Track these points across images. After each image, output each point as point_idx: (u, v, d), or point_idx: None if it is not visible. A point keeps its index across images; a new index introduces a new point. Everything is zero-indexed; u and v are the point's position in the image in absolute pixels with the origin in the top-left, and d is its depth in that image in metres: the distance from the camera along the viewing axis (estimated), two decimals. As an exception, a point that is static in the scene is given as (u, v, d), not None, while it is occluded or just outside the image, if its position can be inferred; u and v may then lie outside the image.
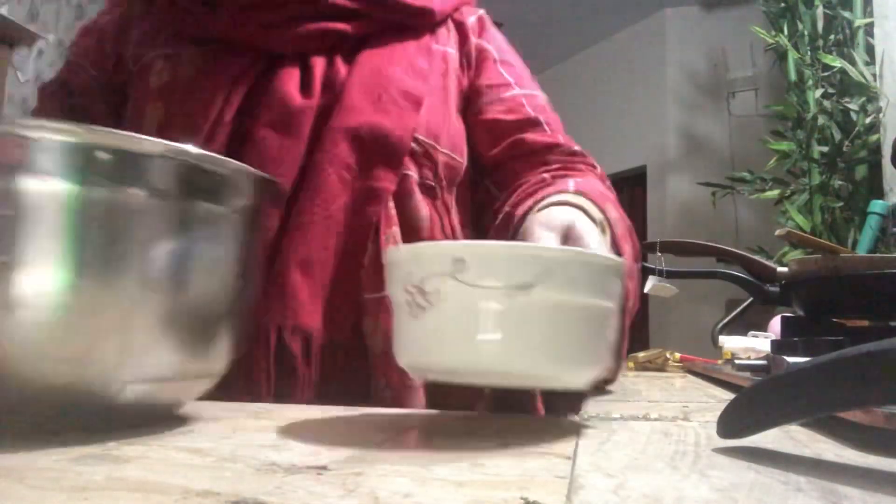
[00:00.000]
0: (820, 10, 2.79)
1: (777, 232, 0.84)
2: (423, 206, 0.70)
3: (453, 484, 0.28)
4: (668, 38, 4.23)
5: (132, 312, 0.36)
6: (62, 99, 0.76)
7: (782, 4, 2.94)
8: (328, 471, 0.30)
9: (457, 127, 0.75)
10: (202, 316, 0.40)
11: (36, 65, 3.33)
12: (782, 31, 2.91)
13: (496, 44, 0.81)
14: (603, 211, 0.59)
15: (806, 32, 2.83)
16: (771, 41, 2.94)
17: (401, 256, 0.40)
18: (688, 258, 1.25)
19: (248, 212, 0.43)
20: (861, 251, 2.20)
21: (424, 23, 0.76)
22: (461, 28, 0.80)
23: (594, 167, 0.76)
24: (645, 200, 4.26)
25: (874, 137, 2.52)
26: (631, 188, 4.40)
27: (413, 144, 0.68)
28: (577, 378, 0.40)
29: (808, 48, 2.82)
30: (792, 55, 2.86)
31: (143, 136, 0.36)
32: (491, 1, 0.93)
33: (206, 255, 0.40)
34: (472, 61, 0.79)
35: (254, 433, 0.40)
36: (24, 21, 3.21)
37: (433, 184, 0.71)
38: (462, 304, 0.37)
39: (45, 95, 0.78)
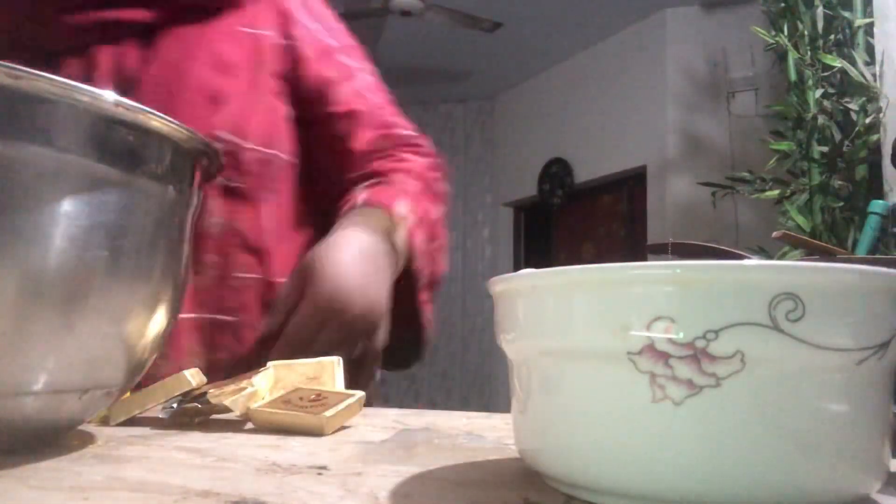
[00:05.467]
0: (820, 10, 2.79)
1: (773, 234, 0.84)
2: (213, 211, 0.64)
3: (453, 484, 0.28)
4: (668, 38, 4.22)
5: (21, 307, 0.28)
6: None
7: (782, 4, 2.94)
8: (328, 471, 0.30)
9: (272, 117, 0.69)
10: (111, 314, 0.32)
11: (36, 65, 3.31)
12: (782, 31, 2.91)
13: (323, 22, 0.75)
14: (389, 210, 0.64)
15: (806, 32, 2.83)
16: (771, 41, 2.94)
17: (610, 287, 0.23)
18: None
19: (178, 184, 0.35)
20: (861, 251, 2.20)
21: (229, 5, 0.68)
22: (279, 6, 0.72)
23: (420, 148, 0.76)
24: (645, 200, 4.25)
25: (874, 137, 2.52)
26: (631, 188, 4.39)
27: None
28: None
29: (808, 48, 2.81)
30: (792, 55, 2.85)
31: (39, 72, 0.28)
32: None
33: (118, 236, 0.31)
34: (297, 45, 0.71)
35: (254, 433, 0.40)
36: (24, 21, 3.20)
37: (239, 184, 0.66)
38: (790, 381, 0.22)
39: None
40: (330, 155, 0.73)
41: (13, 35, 0.62)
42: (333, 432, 0.40)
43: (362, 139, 0.73)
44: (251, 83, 0.68)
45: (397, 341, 0.66)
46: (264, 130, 0.68)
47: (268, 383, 0.46)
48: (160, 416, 0.44)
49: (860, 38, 2.64)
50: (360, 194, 0.67)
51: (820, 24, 2.80)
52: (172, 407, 0.44)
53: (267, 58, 0.69)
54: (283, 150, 0.70)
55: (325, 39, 0.74)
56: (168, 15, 0.64)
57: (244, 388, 0.42)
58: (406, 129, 0.76)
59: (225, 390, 0.42)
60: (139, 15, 0.63)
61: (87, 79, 0.61)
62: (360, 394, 0.44)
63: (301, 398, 0.43)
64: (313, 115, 0.72)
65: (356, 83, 0.74)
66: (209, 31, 0.66)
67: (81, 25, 0.62)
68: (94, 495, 0.25)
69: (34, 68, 0.67)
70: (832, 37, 2.78)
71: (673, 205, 4.07)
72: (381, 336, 0.62)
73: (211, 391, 0.42)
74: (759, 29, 2.97)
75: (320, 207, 0.73)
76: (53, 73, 0.66)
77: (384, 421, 0.46)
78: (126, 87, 0.62)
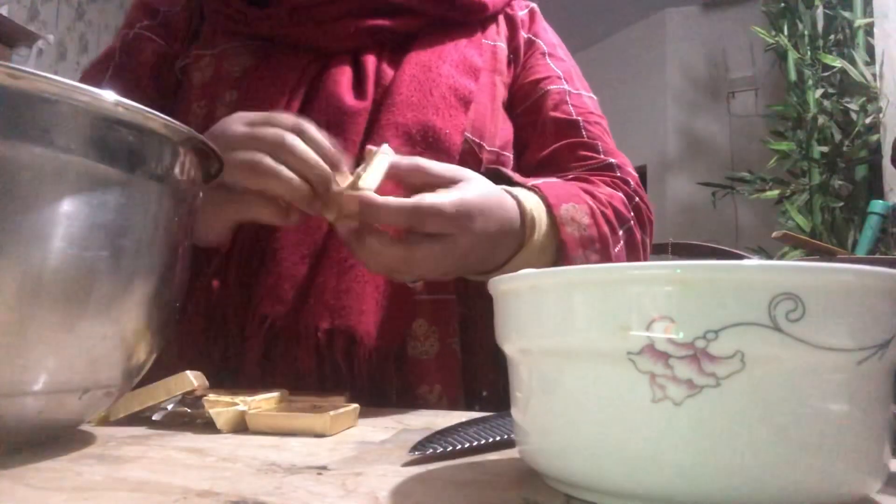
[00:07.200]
0: (820, 10, 2.79)
1: (773, 234, 0.84)
2: None
3: (453, 484, 0.28)
4: (668, 38, 4.22)
5: (21, 307, 0.28)
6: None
7: (782, 4, 2.94)
8: (328, 471, 0.30)
9: (504, 124, 0.74)
10: (111, 314, 0.31)
11: (36, 65, 3.32)
12: (782, 31, 2.91)
13: (546, 37, 0.80)
14: (551, 208, 0.59)
15: (806, 32, 2.83)
16: (771, 41, 2.94)
17: (610, 287, 0.23)
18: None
19: (178, 184, 0.36)
20: (861, 251, 2.20)
21: (476, 18, 0.75)
22: (511, 22, 0.79)
23: (624, 182, 0.72)
24: (645, 200, 4.25)
25: (874, 137, 2.52)
26: (631, 188, 4.40)
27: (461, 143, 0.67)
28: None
29: (808, 48, 2.81)
30: (792, 55, 2.85)
31: (39, 72, 0.28)
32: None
33: (118, 236, 0.31)
34: (520, 55, 0.77)
35: (254, 433, 0.40)
36: (24, 21, 3.20)
37: None
38: (790, 381, 0.22)
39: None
40: (527, 156, 0.75)
41: (295, 37, 0.69)
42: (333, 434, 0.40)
43: (563, 147, 0.73)
44: (490, 88, 0.73)
45: None
46: (501, 134, 0.72)
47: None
48: (153, 418, 0.44)
49: (860, 38, 2.64)
50: (538, 179, 0.63)
51: (820, 24, 2.80)
52: (166, 409, 0.44)
53: (501, 67, 0.75)
54: (510, 150, 0.73)
55: (550, 62, 0.78)
56: (424, 24, 0.72)
57: (235, 405, 0.41)
58: (614, 158, 0.73)
59: (221, 399, 0.42)
60: (402, 24, 0.71)
61: (356, 77, 0.68)
62: (354, 406, 0.44)
63: (297, 407, 0.44)
64: (526, 120, 0.75)
65: (576, 100, 0.76)
66: (457, 41, 0.72)
67: (354, 31, 0.69)
68: (94, 495, 0.25)
69: (311, 67, 0.68)
70: (832, 37, 2.78)
71: (673, 205, 4.07)
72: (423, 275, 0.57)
73: (209, 397, 0.42)
74: (759, 29, 2.97)
75: None
76: (327, 71, 0.66)
77: (384, 421, 0.46)
78: (385, 85, 0.67)
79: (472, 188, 0.52)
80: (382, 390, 0.59)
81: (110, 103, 0.30)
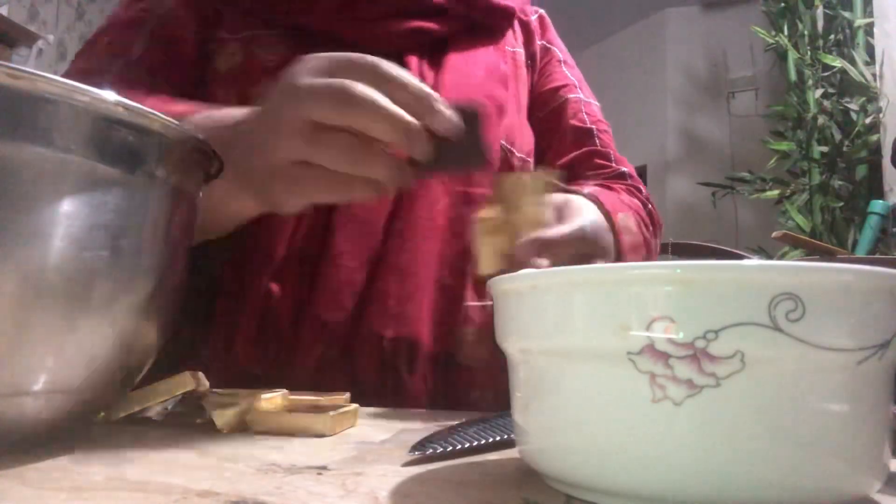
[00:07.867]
0: (820, 10, 2.79)
1: (773, 234, 0.84)
2: None
3: (453, 484, 0.28)
4: (668, 38, 4.22)
5: (21, 307, 0.28)
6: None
7: (782, 4, 2.94)
8: (328, 471, 0.30)
9: (528, 131, 0.75)
10: (111, 314, 0.32)
11: (36, 65, 3.32)
12: (782, 31, 2.91)
13: (559, 45, 0.82)
14: (610, 216, 0.60)
15: (806, 32, 2.83)
16: (771, 41, 2.94)
17: (610, 287, 0.23)
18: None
19: (178, 184, 0.36)
20: (861, 251, 2.20)
21: (503, 24, 0.76)
22: (526, 27, 0.80)
23: (637, 190, 0.74)
24: (645, 200, 4.25)
25: (874, 137, 2.52)
26: (631, 188, 4.39)
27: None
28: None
29: (808, 48, 2.81)
30: (792, 55, 2.85)
31: (39, 72, 0.28)
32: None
33: (118, 236, 0.31)
34: (537, 61, 0.79)
35: (254, 433, 0.40)
36: (24, 21, 3.20)
37: None
38: (790, 381, 0.22)
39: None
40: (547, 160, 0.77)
41: (339, 33, 0.66)
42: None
43: (581, 156, 0.75)
44: (516, 96, 0.74)
45: None
46: (526, 140, 0.73)
47: None
48: (154, 418, 0.44)
49: (860, 38, 2.64)
50: (584, 187, 0.64)
51: (820, 24, 2.80)
52: (166, 409, 0.44)
53: (521, 73, 0.76)
54: (532, 157, 0.75)
55: (566, 70, 0.80)
56: (460, 29, 0.71)
57: (235, 404, 0.41)
58: (623, 166, 0.76)
59: (221, 399, 0.42)
60: (440, 27, 0.70)
61: None
62: (354, 406, 0.44)
63: (298, 406, 0.44)
64: (546, 126, 0.77)
65: (588, 108, 0.78)
66: (487, 48, 0.73)
67: (395, 32, 0.68)
68: (94, 495, 0.25)
69: None
70: (832, 37, 2.78)
71: (673, 205, 4.07)
72: None
73: (209, 397, 0.42)
74: (759, 29, 2.97)
75: None
76: None
77: (384, 421, 0.46)
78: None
79: (590, 211, 0.55)
80: (436, 395, 0.60)
81: (110, 103, 0.30)
